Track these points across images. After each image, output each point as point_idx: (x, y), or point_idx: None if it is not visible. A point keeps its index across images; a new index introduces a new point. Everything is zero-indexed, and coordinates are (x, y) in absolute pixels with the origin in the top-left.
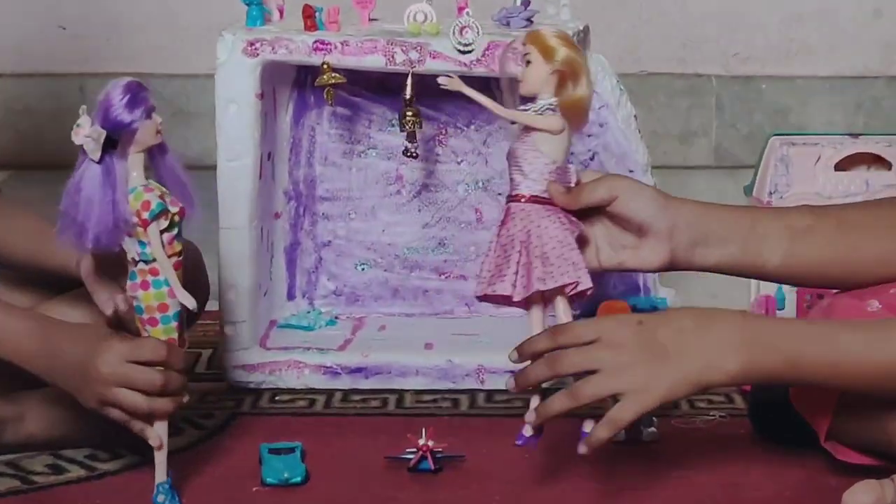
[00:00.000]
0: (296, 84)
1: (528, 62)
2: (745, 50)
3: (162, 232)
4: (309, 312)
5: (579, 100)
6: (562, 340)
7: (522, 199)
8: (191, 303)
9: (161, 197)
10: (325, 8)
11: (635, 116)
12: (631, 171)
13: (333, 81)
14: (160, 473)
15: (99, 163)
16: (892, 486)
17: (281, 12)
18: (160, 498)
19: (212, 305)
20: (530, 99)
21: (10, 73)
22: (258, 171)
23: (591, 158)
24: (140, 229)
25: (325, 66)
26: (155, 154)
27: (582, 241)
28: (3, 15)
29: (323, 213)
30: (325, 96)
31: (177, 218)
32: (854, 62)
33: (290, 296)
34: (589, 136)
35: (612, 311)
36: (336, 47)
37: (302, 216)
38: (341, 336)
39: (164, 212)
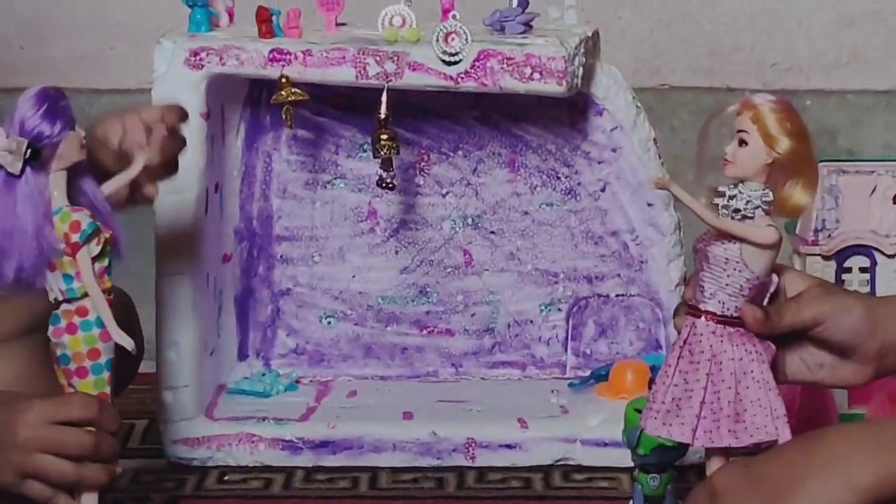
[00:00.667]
0: (248, 102)
1: (743, 141)
2: (786, 59)
3: (93, 260)
4: (264, 375)
5: (797, 207)
6: None
7: (712, 319)
8: (129, 343)
9: (92, 216)
10: (283, 11)
11: (654, 140)
12: (650, 205)
13: (294, 98)
14: None
15: (19, 177)
16: None
17: (231, 16)
18: None
19: (147, 367)
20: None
21: None
22: (204, 206)
23: (603, 189)
24: (67, 259)
25: (283, 81)
26: (76, 175)
27: (773, 365)
28: None
29: (281, 256)
30: (283, 116)
31: (108, 246)
32: None
33: (242, 355)
34: (600, 163)
35: (630, 371)
36: (297, 57)
37: (256, 259)
38: (303, 404)
39: (96, 233)
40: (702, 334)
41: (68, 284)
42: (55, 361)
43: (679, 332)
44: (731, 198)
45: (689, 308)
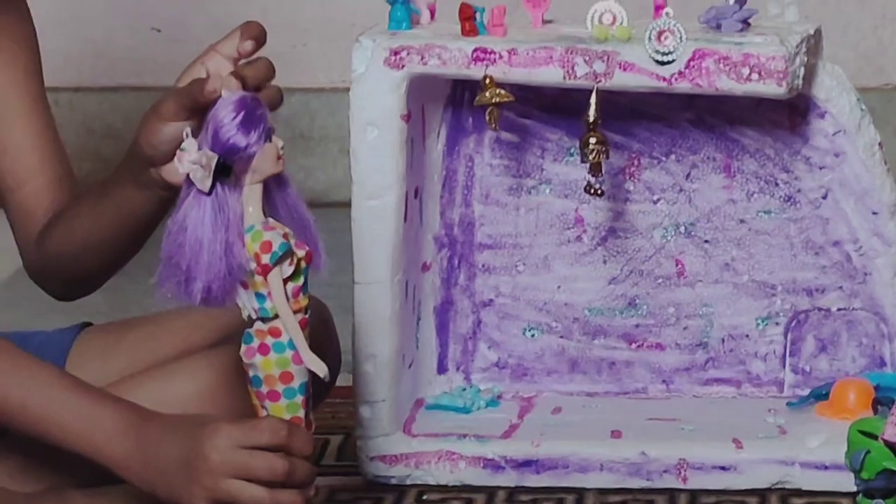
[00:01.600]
0: (450, 103)
1: None
2: None
3: (285, 281)
4: (465, 390)
5: None
6: None
7: None
8: (321, 370)
9: (285, 237)
10: (487, 7)
11: (880, 144)
12: (875, 214)
13: (498, 100)
14: None
15: (208, 194)
16: None
17: (432, 12)
18: None
19: (344, 380)
20: None
21: (90, 87)
22: (403, 212)
23: (824, 197)
24: (259, 278)
25: (487, 81)
26: (272, 187)
27: None
28: (82, 13)
29: (483, 265)
30: (486, 118)
31: (303, 264)
32: None
33: (442, 369)
34: (821, 168)
35: (853, 390)
36: (501, 57)
37: (457, 268)
38: (505, 420)
39: (288, 254)
40: None
41: (261, 303)
42: (248, 382)
43: None
44: None
45: None
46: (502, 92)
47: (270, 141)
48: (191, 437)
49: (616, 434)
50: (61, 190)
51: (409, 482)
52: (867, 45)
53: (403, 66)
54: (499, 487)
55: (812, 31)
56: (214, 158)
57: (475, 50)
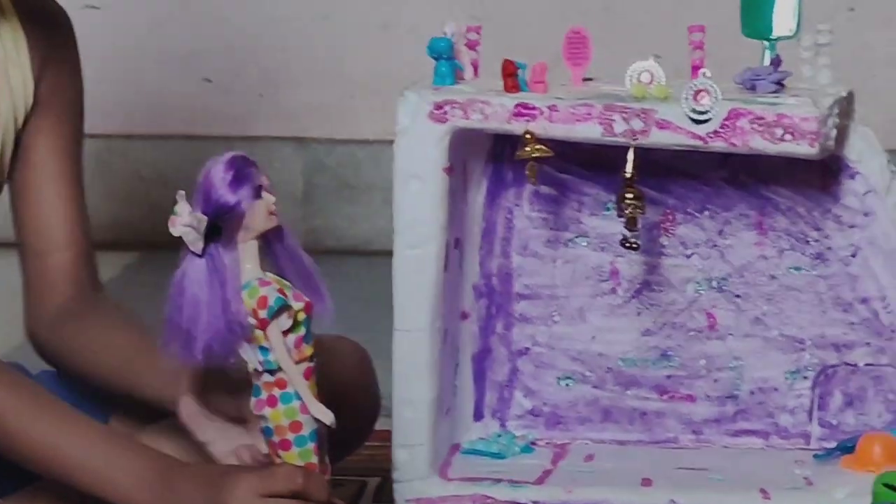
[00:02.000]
0: (491, 157)
1: None
2: None
3: (285, 333)
4: (500, 436)
5: None
6: None
7: None
8: (328, 418)
9: (280, 291)
10: (529, 64)
11: None
12: None
13: (538, 154)
14: None
15: (201, 256)
16: None
17: (475, 68)
18: None
19: (383, 424)
20: None
21: (143, 134)
22: (443, 262)
23: (853, 255)
24: (259, 332)
25: (528, 136)
26: (272, 241)
27: None
28: (135, 62)
29: (520, 315)
30: (526, 172)
31: (302, 315)
32: None
33: (478, 415)
34: (851, 227)
35: (879, 444)
36: (542, 112)
37: (494, 317)
38: (539, 466)
39: (285, 308)
40: None
41: (265, 356)
42: (261, 432)
43: None
44: None
45: None
46: (542, 147)
47: (261, 198)
48: (213, 485)
49: (647, 482)
50: (84, 270)
51: None
52: None
53: (447, 120)
54: None
55: (844, 94)
56: (204, 221)
57: (517, 105)
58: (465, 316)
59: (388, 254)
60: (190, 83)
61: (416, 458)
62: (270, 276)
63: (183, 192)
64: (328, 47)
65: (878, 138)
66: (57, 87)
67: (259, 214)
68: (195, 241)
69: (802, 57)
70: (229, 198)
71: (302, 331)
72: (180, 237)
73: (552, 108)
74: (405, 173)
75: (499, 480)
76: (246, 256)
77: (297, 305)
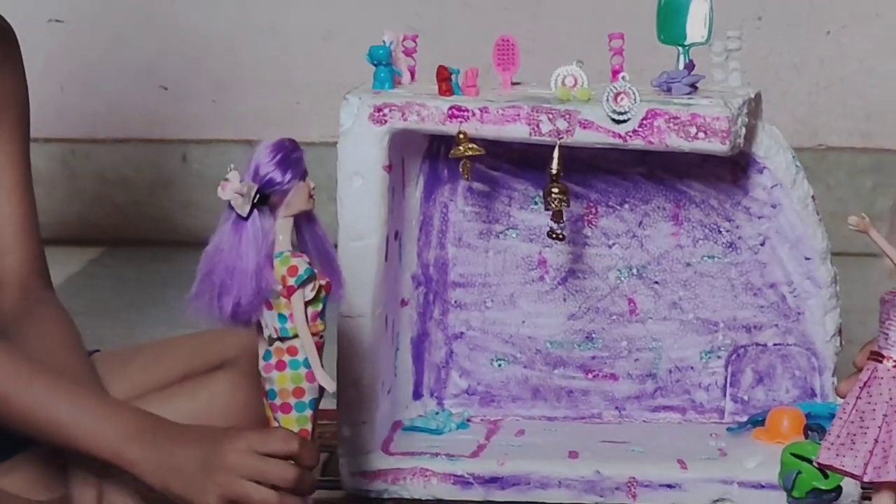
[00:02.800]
0: (427, 155)
1: None
2: None
3: (306, 304)
4: (437, 414)
5: None
6: None
7: (895, 366)
8: (331, 386)
9: (310, 264)
10: (462, 70)
11: (812, 197)
12: (808, 259)
13: (470, 153)
14: None
15: (246, 220)
16: None
17: (412, 74)
18: None
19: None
20: None
21: (105, 139)
22: (384, 253)
23: (762, 244)
24: (283, 300)
25: (461, 136)
26: (302, 223)
27: None
28: (97, 72)
29: (455, 301)
30: (460, 170)
31: (323, 292)
32: None
33: (417, 394)
34: (760, 218)
35: (786, 417)
36: (474, 114)
37: (431, 304)
38: (474, 441)
39: (312, 278)
40: (882, 378)
41: (282, 324)
42: (264, 395)
43: (860, 372)
44: None
45: (872, 353)
46: (474, 146)
47: (304, 181)
48: (210, 438)
49: (573, 455)
50: (32, 273)
51: (386, 496)
52: (802, 110)
53: (386, 122)
54: (467, 502)
55: (753, 95)
56: (254, 188)
57: (451, 108)
58: (404, 303)
59: (333, 246)
60: (148, 91)
61: (360, 435)
62: (298, 251)
63: (233, 164)
64: (275, 57)
65: (784, 136)
66: (4, 100)
67: (301, 195)
68: (242, 206)
69: (714, 61)
70: (279, 175)
71: (319, 306)
72: (227, 202)
73: (483, 110)
74: (348, 171)
75: (437, 454)
76: (281, 230)
77: (321, 281)
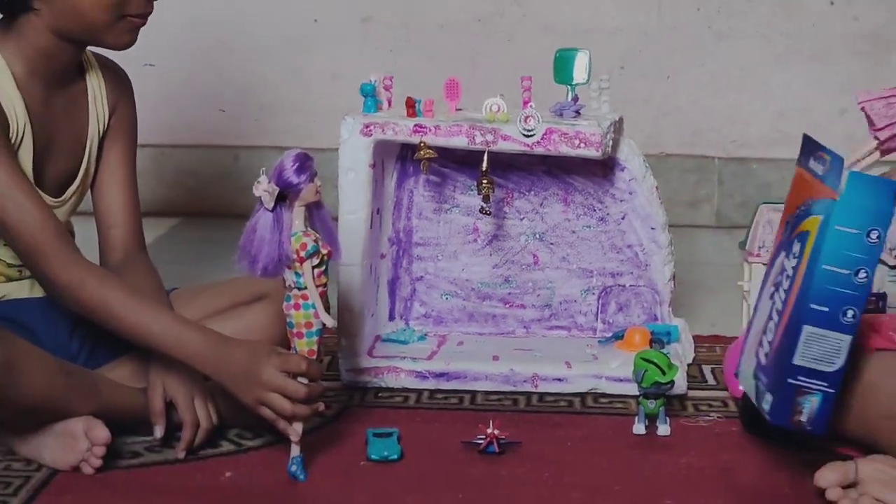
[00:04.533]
0: (399, 157)
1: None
2: (741, 138)
3: (314, 268)
4: (405, 330)
5: None
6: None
7: None
8: (331, 322)
9: (315, 241)
10: (422, 100)
11: (656, 187)
12: (653, 228)
13: (428, 156)
14: (295, 450)
15: (272, 211)
16: (854, 466)
17: (389, 103)
18: (293, 467)
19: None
20: None
21: (181, 145)
22: (370, 222)
23: (623, 218)
24: (297, 264)
25: (422, 144)
26: (313, 209)
27: None
28: (177, 99)
29: (417, 255)
30: (421, 167)
31: (326, 258)
32: None
33: (391, 317)
34: (621, 201)
35: (638, 334)
36: (430, 130)
37: (401, 257)
38: (429, 349)
39: (316, 252)
40: None
41: (297, 279)
42: (286, 325)
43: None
44: None
45: None
46: (431, 151)
47: (313, 181)
48: (252, 355)
49: (495, 358)
50: (133, 239)
51: (370, 386)
52: (650, 129)
53: (371, 135)
54: (424, 389)
55: (617, 119)
56: (276, 190)
57: (414, 126)
58: (383, 256)
59: (335, 218)
60: (212, 112)
61: (353, 344)
62: (310, 230)
63: (264, 168)
64: (300, 90)
65: (637, 146)
66: (121, 119)
67: (310, 192)
68: (269, 202)
69: (591, 96)
70: (294, 179)
71: (323, 267)
72: (259, 198)
73: (437, 127)
74: (345, 168)
75: (404, 357)
76: (296, 216)
77: (324, 251)
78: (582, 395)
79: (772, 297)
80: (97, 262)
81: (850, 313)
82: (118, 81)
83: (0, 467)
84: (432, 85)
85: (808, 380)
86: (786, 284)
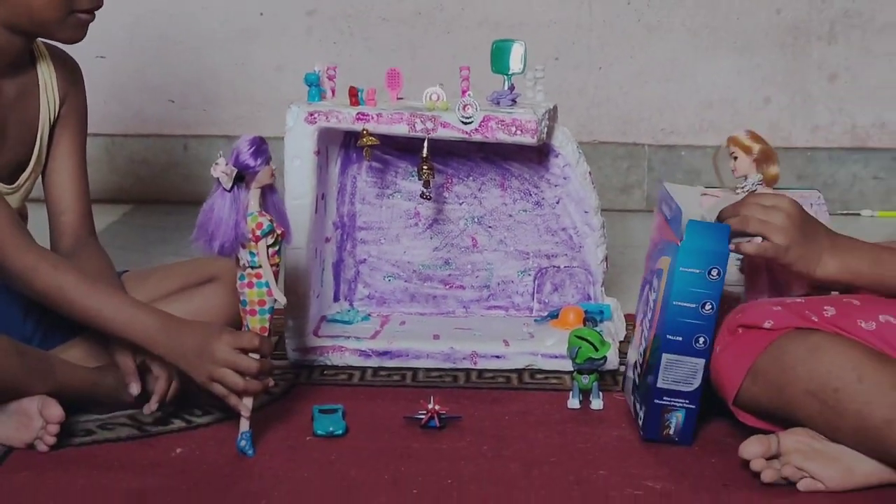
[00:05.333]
0: (343, 144)
1: (735, 156)
2: (670, 126)
3: (268, 247)
4: (349, 311)
5: (776, 176)
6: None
7: None
8: (282, 299)
9: (271, 221)
10: (365, 89)
11: (589, 172)
12: (586, 212)
13: (370, 143)
14: (244, 425)
15: (229, 191)
16: (776, 439)
17: (333, 92)
18: (242, 442)
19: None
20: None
21: (133, 134)
22: (314, 207)
23: (558, 202)
24: (252, 243)
25: (364, 132)
26: (267, 192)
27: None
28: (128, 91)
29: (361, 239)
30: (364, 154)
31: (280, 238)
32: None
33: (336, 298)
34: (556, 186)
35: (572, 312)
36: (372, 118)
37: (345, 240)
38: (372, 328)
39: (272, 232)
40: None
41: (252, 259)
42: (238, 302)
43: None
44: (743, 187)
45: None
46: (373, 138)
47: (268, 164)
48: (204, 334)
49: (436, 337)
50: (83, 225)
51: (316, 364)
52: (583, 117)
53: (315, 123)
54: (368, 367)
55: (552, 107)
56: (234, 171)
57: (357, 114)
58: (327, 240)
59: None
60: (161, 103)
61: (299, 325)
62: (265, 212)
63: (222, 151)
64: (246, 81)
65: (571, 134)
66: (72, 108)
67: (265, 174)
68: (227, 182)
69: (527, 85)
70: (251, 161)
71: (277, 247)
72: (216, 179)
73: (379, 115)
74: (291, 155)
75: (348, 337)
76: (252, 197)
77: (278, 231)
78: (519, 372)
79: (641, 323)
80: (48, 247)
81: (701, 340)
82: (69, 71)
83: None
84: (374, 75)
85: (671, 399)
86: (649, 315)
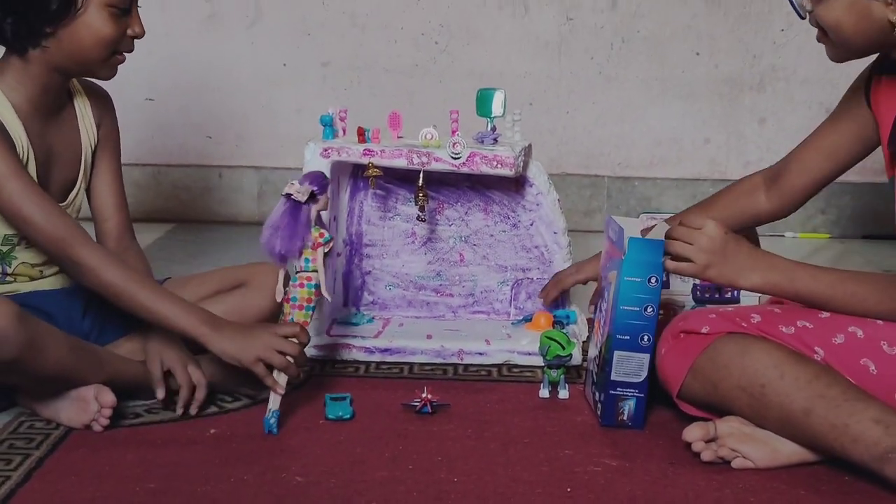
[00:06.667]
0: (352, 174)
1: None
2: (626, 161)
3: (324, 254)
4: (356, 314)
5: None
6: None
7: None
8: (330, 297)
9: (329, 234)
10: (371, 129)
11: (558, 199)
12: (555, 233)
13: (375, 174)
14: (275, 403)
15: (303, 205)
16: (713, 425)
17: (344, 131)
18: (272, 420)
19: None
20: None
21: (176, 164)
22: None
23: (532, 224)
24: (311, 250)
25: (370, 164)
26: (318, 214)
27: None
28: (172, 128)
29: (366, 254)
30: (369, 183)
31: (329, 250)
32: (691, 170)
33: (345, 304)
34: (531, 211)
35: (543, 317)
36: (377, 153)
37: (353, 255)
38: (375, 329)
39: (330, 241)
40: None
41: (305, 264)
42: (287, 300)
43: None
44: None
45: None
46: (377, 170)
47: (325, 193)
48: (249, 326)
49: (429, 336)
50: (123, 230)
51: (328, 359)
52: (554, 153)
53: (329, 157)
54: (372, 362)
55: (527, 145)
56: (309, 191)
57: (364, 150)
58: (339, 254)
59: None
60: (200, 138)
61: (315, 325)
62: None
63: (292, 179)
64: (270, 121)
65: (543, 167)
66: (107, 131)
67: (324, 200)
68: (303, 196)
69: (507, 126)
70: (317, 187)
71: (327, 258)
72: (285, 195)
73: (382, 151)
74: None
75: (355, 336)
76: (314, 214)
77: (333, 243)
78: (498, 366)
79: (597, 325)
80: None
81: (645, 338)
82: (101, 101)
83: (25, 426)
84: (378, 117)
85: (623, 389)
86: (603, 319)
